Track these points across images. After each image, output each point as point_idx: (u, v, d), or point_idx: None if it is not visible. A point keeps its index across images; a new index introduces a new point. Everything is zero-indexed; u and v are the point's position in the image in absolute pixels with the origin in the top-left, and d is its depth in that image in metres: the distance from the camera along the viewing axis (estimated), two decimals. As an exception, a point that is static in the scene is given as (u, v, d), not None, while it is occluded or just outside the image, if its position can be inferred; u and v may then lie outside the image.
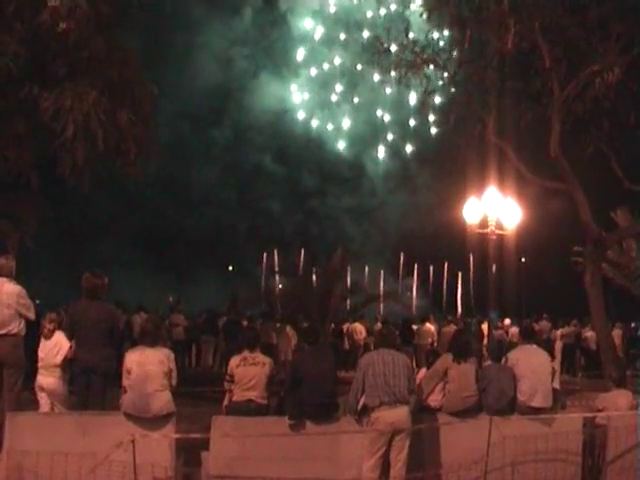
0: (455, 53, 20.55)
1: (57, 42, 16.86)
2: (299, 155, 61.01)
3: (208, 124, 59.13)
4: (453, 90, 20.73)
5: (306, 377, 10.94)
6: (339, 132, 61.62)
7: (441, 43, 21.51)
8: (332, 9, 62.04)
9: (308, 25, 62.14)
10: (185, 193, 57.27)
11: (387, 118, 61.78)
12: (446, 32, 21.80)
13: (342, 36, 62.01)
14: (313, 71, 61.67)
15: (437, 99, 23.47)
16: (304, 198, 61.34)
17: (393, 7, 62.00)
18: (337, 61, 61.69)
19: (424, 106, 21.72)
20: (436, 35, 21.58)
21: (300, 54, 61.97)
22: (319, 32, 62.13)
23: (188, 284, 52.72)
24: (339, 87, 61.56)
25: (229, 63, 59.95)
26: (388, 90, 45.59)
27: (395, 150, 62.53)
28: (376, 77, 46.92)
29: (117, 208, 52.34)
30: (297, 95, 60.78)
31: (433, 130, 60.18)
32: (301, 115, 61.23)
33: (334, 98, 61.67)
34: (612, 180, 21.35)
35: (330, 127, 61.33)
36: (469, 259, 59.45)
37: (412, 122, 59.94)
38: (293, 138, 60.84)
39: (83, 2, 16.60)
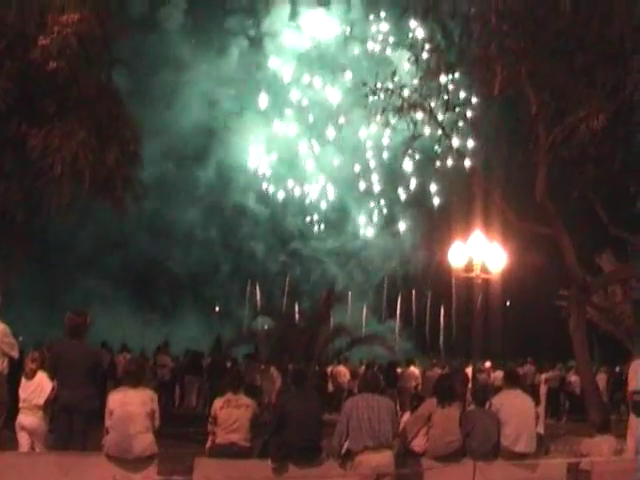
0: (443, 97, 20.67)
1: (47, 80, 16.97)
2: (282, 196, 61.16)
3: (192, 163, 59.23)
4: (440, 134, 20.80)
5: (291, 419, 10.87)
6: (323, 174, 61.76)
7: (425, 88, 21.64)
8: (315, 51, 62.44)
9: (291, 67, 62.49)
10: (168, 232, 57.22)
11: (371, 160, 61.92)
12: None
13: (325, 78, 62.36)
14: (295, 112, 61.88)
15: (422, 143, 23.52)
16: (288, 239, 61.35)
17: (377, 48, 62.46)
18: (321, 103, 61.95)
19: (409, 150, 21.70)
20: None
21: (284, 95, 62.23)
22: (302, 74, 62.45)
23: (171, 323, 52.52)
24: (326, 129, 61.68)
25: (214, 103, 60.17)
26: (373, 128, 45.57)
27: (380, 193, 62.68)
28: (361, 120, 47.46)
29: (100, 245, 52.28)
30: (281, 137, 60.86)
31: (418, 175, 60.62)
32: (284, 156, 61.29)
33: (317, 138, 61.80)
34: (597, 225, 21.47)
35: (313, 169, 61.49)
36: (452, 302, 59.53)
37: (397, 165, 60.10)
38: (276, 178, 60.99)
39: (73, 41, 16.71)
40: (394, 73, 21.33)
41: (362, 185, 62.07)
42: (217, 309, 59.10)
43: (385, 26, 62.68)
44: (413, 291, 62.40)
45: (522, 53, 19.25)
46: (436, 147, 21.53)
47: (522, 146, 20.87)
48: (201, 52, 59.64)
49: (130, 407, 10.36)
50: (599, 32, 18.83)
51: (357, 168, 62.05)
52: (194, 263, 59.05)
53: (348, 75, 61.28)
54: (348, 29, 63.23)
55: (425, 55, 20.97)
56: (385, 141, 58.30)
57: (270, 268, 61.19)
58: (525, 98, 19.76)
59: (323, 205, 62.18)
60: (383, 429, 10.31)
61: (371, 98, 21.39)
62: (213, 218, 59.71)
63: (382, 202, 62.93)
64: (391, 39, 62.05)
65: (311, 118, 61.89)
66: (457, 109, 21.06)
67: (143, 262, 55.38)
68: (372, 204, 62.86)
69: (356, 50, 62.90)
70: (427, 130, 21.32)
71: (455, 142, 21.15)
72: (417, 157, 22.07)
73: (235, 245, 60.26)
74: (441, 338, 61.50)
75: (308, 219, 62.13)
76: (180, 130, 56.79)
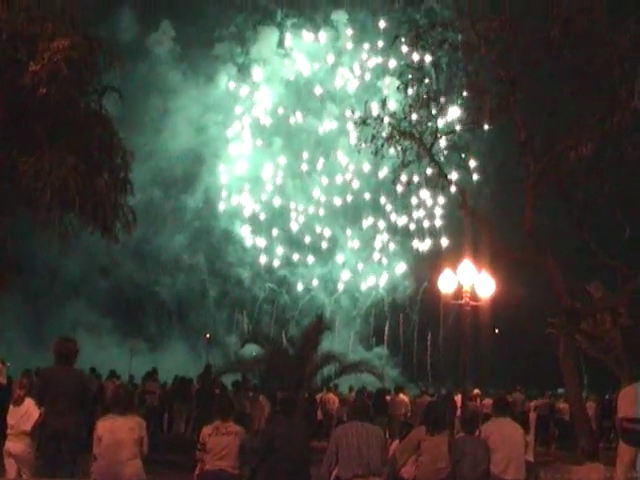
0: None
1: (37, 106, 16.98)
2: (269, 224, 60.99)
3: (180, 189, 59.15)
4: (429, 162, 20.88)
5: (279, 446, 10.86)
6: (309, 203, 61.66)
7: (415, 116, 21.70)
8: (304, 79, 62.51)
9: (280, 95, 62.55)
10: (155, 258, 57.12)
11: (360, 188, 61.81)
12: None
13: (313, 105, 62.41)
14: (284, 139, 61.87)
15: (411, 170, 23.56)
16: (275, 266, 61.13)
17: (367, 77, 62.54)
18: (309, 131, 61.95)
19: (399, 179, 21.76)
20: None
21: (272, 122, 62.21)
22: (290, 101, 62.49)
23: (158, 349, 52.37)
24: (313, 159, 61.67)
25: (202, 129, 60.17)
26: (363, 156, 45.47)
27: (368, 222, 62.52)
28: (350, 148, 47.42)
29: (87, 272, 52.16)
30: (269, 165, 60.81)
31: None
32: (271, 185, 61.21)
33: (304, 168, 61.72)
34: (586, 252, 21.54)
35: (300, 198, 61.40)
36: (439, 329, 59.46)
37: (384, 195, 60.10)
38: (264, 206, 60.87)
39: (64, 67, 16.74)
40: (384, 102, 21.44)
41: (351, 213, 61.93)
42: (207, 336, 58.85)
43: (374, 57, 62.76)
44: (400, 318, 62.26)
45: (511, 82, 19.38)
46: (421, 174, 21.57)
47: (511, 174, 20.98)
48: (190, 78, 59.82)
49: (119, 434, 10.32)
50: (587, 62, 19.01)
51: (349, 198, 61.86)
52: (181, 289, 58.94)
53: (337, 103, 61.38)
54: (333, 58, 63.22)
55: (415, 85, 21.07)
56: (374, 168, 58.29)
57: (257, 295, 61.04)
58: (514, 126, 19.87)
59: (308, 238, 61.85)
60: (372, 457, 10.28)
61: (360, 127, 21.48)
62: (200, 244, 59.61)
63: (370, 226, 62.68)
64: (377, 60, 62.04)
65: (300, 146, 61.84)
66: (445, 136, 21.15)
67: (130, 288, 55.26)
68: (361, 230, 62.64)
69: (343, 79, 62.89)
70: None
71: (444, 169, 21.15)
72: (409, 183, 21.98)
73: (222, 271, 60.11)
74: (428, 365, 61.35)
75: (296, 246, 61.95)
76: (168, 156, 56.82)
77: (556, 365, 19.96)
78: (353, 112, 21.82)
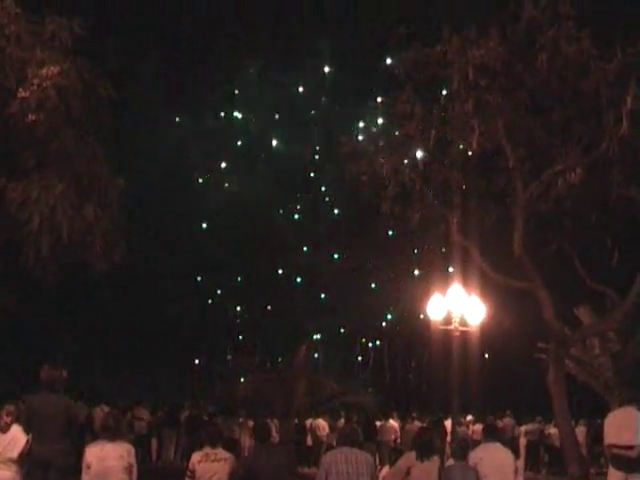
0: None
1: (26, 133, 17.00)
2: (253, 249, 60.48)
3: (162, 215, 58.53)
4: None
5: (259, 473, 10.85)
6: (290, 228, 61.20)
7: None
8: (287, 104, 62.45)
9: (262, 120, 62.41)
10: (138, 284, 56.61)
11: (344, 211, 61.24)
12: None
13: (296, 131, 62.22)
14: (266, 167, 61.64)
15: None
16: (258, 292, 60.38)
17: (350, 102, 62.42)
18: (292, 156, 61.69)
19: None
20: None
21: (256, 149, 62.09)
22: (273, 126, 62.40)
23: (141, 375, 51.88)
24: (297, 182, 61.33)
25: (186, 155, 59.94)
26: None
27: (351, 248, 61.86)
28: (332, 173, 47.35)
29: (68, 298, 51.67)
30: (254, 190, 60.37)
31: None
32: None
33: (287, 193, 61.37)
34: (575, 278, 21.59)
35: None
36: (425, 355, 59.11)
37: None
38: (247, 232, 60.37)
39: (53, 94, 16.78)
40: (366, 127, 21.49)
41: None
42: (197, 362, 58.63)
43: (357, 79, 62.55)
44: (386, 345, 62.00)
45: (499, 108, 19.47)
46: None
47: (499, 200, 21.03)
48: (174, 104, 59.64)
49: (108, 461, 10.26)
50: (575, 88, 19.12)
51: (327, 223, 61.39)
52: (168, 316, 58.51)
53: (320, 128, 61.17)
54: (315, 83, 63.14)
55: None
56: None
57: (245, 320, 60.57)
58: (502, 153, 19.95)
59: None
60: (362, 483, 10.27)
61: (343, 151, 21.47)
62: (183, 268, 59.14)
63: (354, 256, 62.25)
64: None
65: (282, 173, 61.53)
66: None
67: (109, 314, 54.87)
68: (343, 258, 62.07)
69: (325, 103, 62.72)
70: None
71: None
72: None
73: (205, 298, 59.61)
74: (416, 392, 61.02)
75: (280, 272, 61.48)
76: (150, 181, 56.54)
77: (546, 390, 19.93)
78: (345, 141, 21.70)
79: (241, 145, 62.50)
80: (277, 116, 62.91)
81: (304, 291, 60.15)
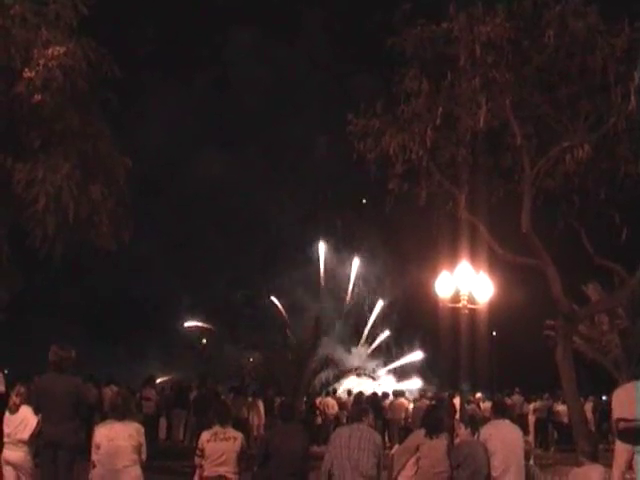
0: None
1: (32, 114, 16.95)
2: (245, 229, 59.81)
3: (153, 192, 58.03)
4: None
5: (275, 454, 10.86)
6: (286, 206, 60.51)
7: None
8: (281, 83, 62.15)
9: (257, 100, 62.04)
10: (131, 262, 56.28)
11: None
12: None
13: (290, 110, 61.82)
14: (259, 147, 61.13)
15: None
16: (251, 272, 59.60)
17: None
18: (285, 140, 61.15)
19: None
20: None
21: (248, 129, 61.66)
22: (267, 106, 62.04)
23: (135, 357, 51.66)
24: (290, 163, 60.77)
25: (177, 132, 59.62)
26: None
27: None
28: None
29: (60, 279, 51.48)
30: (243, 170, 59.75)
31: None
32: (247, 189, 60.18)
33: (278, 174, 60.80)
34: (583, 255, 21.52)
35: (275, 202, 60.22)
36: (436, 332, 58.81)
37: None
38: (237, 212, 59.71)
39: (59, 74, 16.72)
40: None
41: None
42: (204, 341, 58.57)
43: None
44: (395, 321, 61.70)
45: (506, 85, 19.37)
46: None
47: (507, 177, 20.95)
48: (167, 80, 59.35)
49: (117, 441, 10.29)
50: (582, 64, 19.00)
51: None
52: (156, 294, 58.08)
53: (316, 106, 60.73)
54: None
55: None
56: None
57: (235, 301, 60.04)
58: (510, 130, 19.86)
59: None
60: (361, 459, 10.32)
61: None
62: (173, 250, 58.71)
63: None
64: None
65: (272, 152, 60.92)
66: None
67: (103, 294, 54.66)
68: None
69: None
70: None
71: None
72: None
73: (194, 277, 59.28)
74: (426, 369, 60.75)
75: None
76: (142, 158, 56.21)
77: (554, 367, 19.92)
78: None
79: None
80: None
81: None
